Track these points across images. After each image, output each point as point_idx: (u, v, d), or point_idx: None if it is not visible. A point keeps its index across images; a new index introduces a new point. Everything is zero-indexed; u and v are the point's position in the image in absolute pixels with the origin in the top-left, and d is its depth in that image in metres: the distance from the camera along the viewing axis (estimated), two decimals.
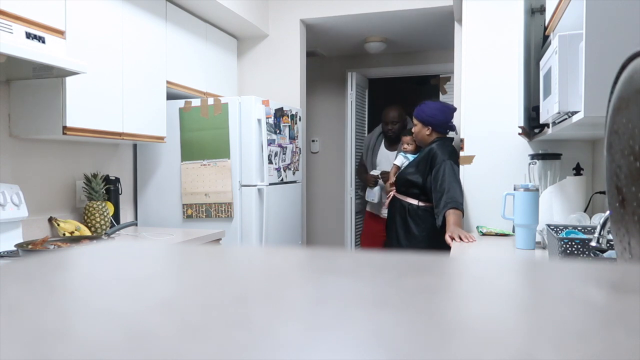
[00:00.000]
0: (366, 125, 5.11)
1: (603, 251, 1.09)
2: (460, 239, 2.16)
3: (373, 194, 3.66)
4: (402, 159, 2.99)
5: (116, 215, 2.65)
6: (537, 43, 2.31)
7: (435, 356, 0.20)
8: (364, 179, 3.84)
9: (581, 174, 2.25)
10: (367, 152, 3.78)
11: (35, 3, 1.92)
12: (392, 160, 3.32)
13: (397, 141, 3.53)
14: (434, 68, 4.87)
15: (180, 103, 2.91)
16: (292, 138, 3.24)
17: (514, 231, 2.08)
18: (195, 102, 2.89)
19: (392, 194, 2.81)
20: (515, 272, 0.38)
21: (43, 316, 0.26)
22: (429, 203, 2.59)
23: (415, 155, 2.86)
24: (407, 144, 2.97)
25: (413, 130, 2.76)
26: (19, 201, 2.08)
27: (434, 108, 2.70)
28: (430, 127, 2.67)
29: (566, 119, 1.60)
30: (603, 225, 1.07)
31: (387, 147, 3.69)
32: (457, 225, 2.30)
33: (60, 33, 2.05)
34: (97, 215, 2.40)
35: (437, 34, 4.17)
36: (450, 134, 2.81)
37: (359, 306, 0.27)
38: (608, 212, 0.81)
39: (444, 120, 2.68)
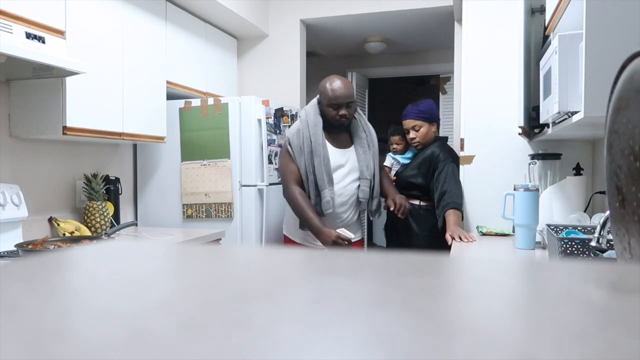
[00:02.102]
0: None
1: (603, 251, 1.09)
2: (460, 238, 2.16)
3: None
4: (390, 160, 2.88)
5: (116, 215, 2.65)
6: (537, 43, 2.31)
7: (435, 356, 0.20)
8: (315, 229, 2.27)
9: (581, 174, 2.25)
10: (309, 158, 2.32)
11: (35, 3, 1.92)
12: (352, 167, 2.42)
13: (347, 132, 2.44)
14: (434, 68, 4.87)
15: (180, 103, 2.91)
16: None
17: (514, 231, 2.08)
18: (195, 102, 2.89)
19: None
20: (515, 272, 0.38)
21: (43, 316, 0.26)
22: (430, 202, 2.59)
23: (405, 156, 2.81)
24: (397, 144, 2.89)
25: (418, 132, 2.63)
26: (19, 201, 2.08)
27: (431, 104, 2.70)
28: (436, 123, 2.67)
29: (566, 119, 1.60)
30: (603, 225, 1.07)
31: (335, 145, 2.41)
32: (457, 225, 2.31)
33: (60, 33, 2.05)
34: (97, 215, 2.40)
35: (437, 34, 4.17)
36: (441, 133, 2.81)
37: (359, 306, 0.27)
38: (608, 212, 0.81)
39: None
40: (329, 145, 2.38)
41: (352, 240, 2.30)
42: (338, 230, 2.27)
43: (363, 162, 2.42)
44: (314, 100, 2.44)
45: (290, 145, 2.38)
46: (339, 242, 2.23)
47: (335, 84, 2.33)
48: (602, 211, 2.15)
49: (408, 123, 2.65)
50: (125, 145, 2.95)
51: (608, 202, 0.72)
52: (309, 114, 2.38)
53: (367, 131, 2.49)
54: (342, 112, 2.33)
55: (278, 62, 3.66)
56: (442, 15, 3.59)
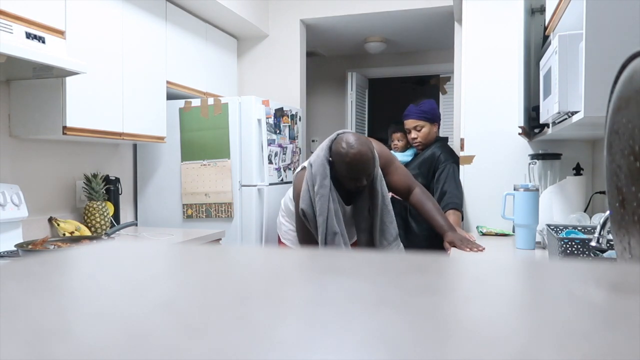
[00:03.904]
0: (366, 126, 5.11)
1: (603, 251, 1.09)
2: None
3: None
4: None
5: (116, 215, 2.65)
6: (537, 43, 2.31)
7: (436, 356, 0.20)
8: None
9: (581, 174, 2.25)
10: (332, 235, 2.02)
11: (35, 3, 1.92)
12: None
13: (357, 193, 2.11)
14: (434, 68, 4.87)
15: (180, 103, 2.91)
16: (292, 138, 3.24)
17: (514, 231, 2.08)
18: (195, 102, 2.89)
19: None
20: (515, 272, 0.38)
21: (43, 316, 0.26)
22: None
23: (406, 154, 2.80)
24: (398, 141, 2.88)
25: (420, 132, 2.63)
26: (19, 201, 2.08)
27: (432, 105, 2.69)
28: (437, 124, 2.67)
29: (566, 119, 1.60)
30: (603, 225, 1.07)
31: (346, 200, 2.12)
32: (456, 225, 2.30)
33: (60, 33, 2.05)
34: (97, 215, 2.40)
35: (437, 34, 4.17)
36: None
37: (360, 306, 0.27)
38: (608, 212, 0.81)
39: None
40: (341, 203, 2.10)
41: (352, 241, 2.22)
42: None
43: (360, 214, 2.14)
44: (324, 160, 2.01)
45: (306, 218, 2.06)
46: None
47: (352, 157, 1.93)
48: (602, 211, 2.15)
49: (410, 123, 2.65)
50: (125, 145, 2.94)
51: (608, 202, 0.72)
52: (324, 186, 1.99)
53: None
54: (362, 183, 2.02)
55: (278, 62, 3.66)
56: (442, 15, 3.59)
